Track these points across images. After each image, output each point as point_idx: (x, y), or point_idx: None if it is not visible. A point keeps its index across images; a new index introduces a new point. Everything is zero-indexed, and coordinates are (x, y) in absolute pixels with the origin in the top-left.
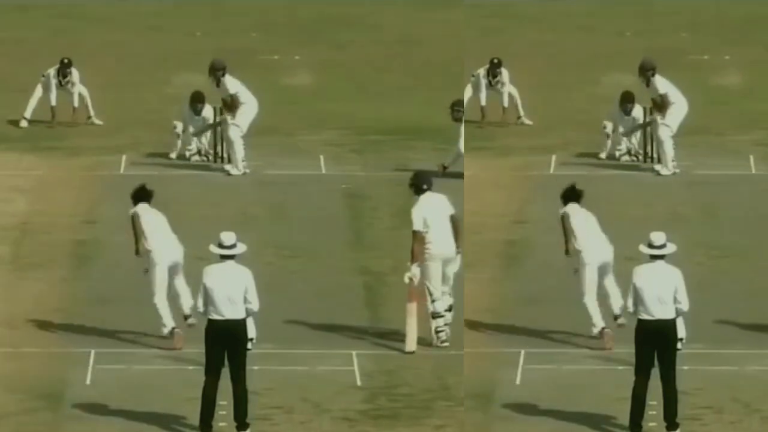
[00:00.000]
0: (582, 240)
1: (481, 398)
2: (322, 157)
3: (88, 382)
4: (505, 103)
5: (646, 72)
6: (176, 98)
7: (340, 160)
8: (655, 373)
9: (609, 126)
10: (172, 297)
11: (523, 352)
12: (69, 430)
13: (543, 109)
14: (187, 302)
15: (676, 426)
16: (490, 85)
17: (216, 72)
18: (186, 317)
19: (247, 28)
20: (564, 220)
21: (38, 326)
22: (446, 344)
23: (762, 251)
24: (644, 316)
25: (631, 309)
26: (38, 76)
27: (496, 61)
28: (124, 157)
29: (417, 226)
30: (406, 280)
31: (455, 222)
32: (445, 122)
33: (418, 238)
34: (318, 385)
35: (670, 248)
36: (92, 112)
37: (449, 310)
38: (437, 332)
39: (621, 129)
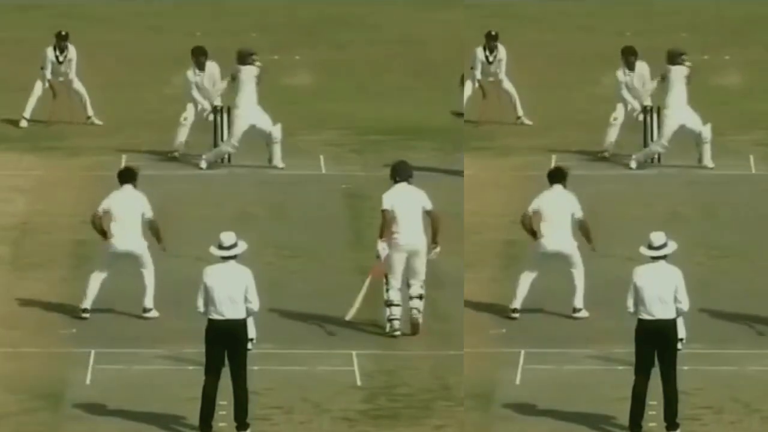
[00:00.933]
0: (543, 227)
1: (481, 398)
2: (322, 157)
3: (88, 382)
4: (501, 76)
5: (677, 57)
6: (176, 98)
7: (340, 160)
8: (656, 373)
9: (620, 116)
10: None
11: (523, 352)
12: (69, 430)
13: (543, 109)
14: (148, 297)
15: (677, 426)
16: (488, 61)
17: (248, 57)
18: (144, 310)
19: (247, 28)
20: (524, 219)
21: (38, 326)
22: (398, 333)
23: (762, 251)
24: (644, 316)
25: (631, 309)
26: (38, 76)
27: (493, 33)
28: (124, 157)
29: (385, 206)
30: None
31: (433, 217)
32: (445, 122)
33: (385, 217)
34: (318, 385)
35: (671, 247)
36: (91, 112)
37: (420, 297)
38: (390, 320)
39: (623, 90)
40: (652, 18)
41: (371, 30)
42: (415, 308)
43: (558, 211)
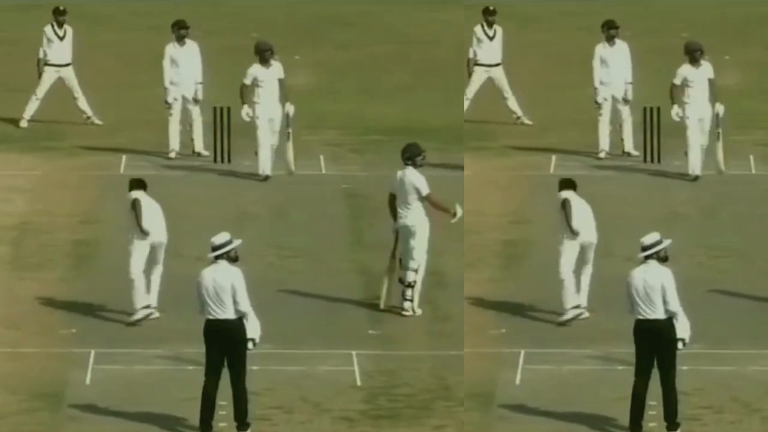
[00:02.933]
0: (575, 223)
1: (481, 398)
2: (322, 157)
3: (88, 382)
4: (499, 56)
5: (694, 53)
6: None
7: (340, 160)
8: (656, 373)
9: (605, 112)
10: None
11: (523, 352)
12: (69, 430)
13: (543, 109)
14: (152, 294)
15: (677, 426)
16: (489, 38)
17: (264, 53)
18: (144, 308)
19: (247, 28)
20: (565, 204)
21: (38, 326)
22: (408, 314)
23: (762, 251)
24: (638, 317)
25: (627, 309)
26: (38, 75)
27: (491, 8)
28: (123, 157)
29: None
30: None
31: (430, 202)
32: (445, 122)
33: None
34: (318, 385)
35: (661, 245)
36: (90, 112)
37: (409, 285)
38: (404, 300)
39: (598, 68)
40: (652, 18)
41: (371, 30)
42: (407, 299)
43: (587, 210)
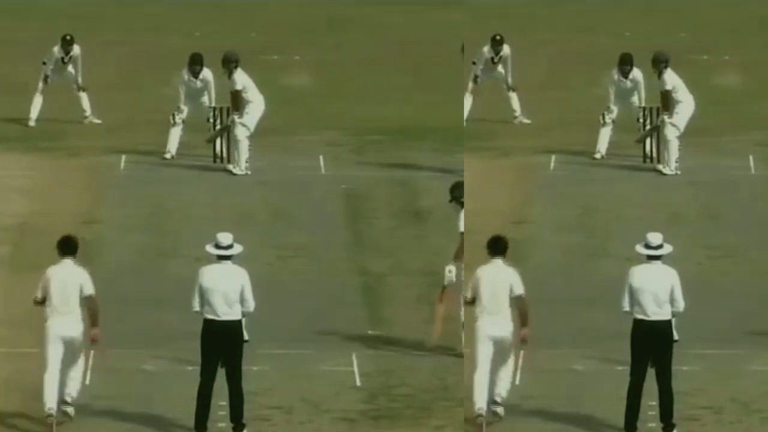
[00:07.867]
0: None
1: None
2: (321, 157)
3: (87, 382)
4: (509, 81)
5: (659, 64)
6: (176, 98)
7: (340, 160)
8: (652, 373)
9: (609, 117)
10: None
11: (522, 352)
12: (69, 430)
13: (543, 109)
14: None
15: (672, 427)
16: (492, 61)
17: (229, 64)
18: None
19: (247, 28)
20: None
21: (38, 326)
22: None
23: (762, 251)
24: (640, 317)
25: (626, 308)
26: (38, 76)
27: (498, 37)
28: (123, 157)
29: (461, 228)
30: (446, 273)
31: None
32: (445, 122)
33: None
34: (318, 385)
35: (667, 249)
36: (88, 111)
37: None
38: None
39: (612, 93)
40: (652, 18)
41: (371, 30)
42: None
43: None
